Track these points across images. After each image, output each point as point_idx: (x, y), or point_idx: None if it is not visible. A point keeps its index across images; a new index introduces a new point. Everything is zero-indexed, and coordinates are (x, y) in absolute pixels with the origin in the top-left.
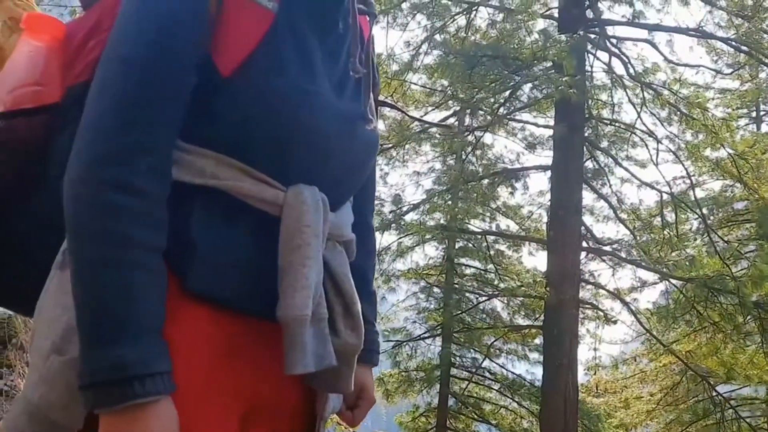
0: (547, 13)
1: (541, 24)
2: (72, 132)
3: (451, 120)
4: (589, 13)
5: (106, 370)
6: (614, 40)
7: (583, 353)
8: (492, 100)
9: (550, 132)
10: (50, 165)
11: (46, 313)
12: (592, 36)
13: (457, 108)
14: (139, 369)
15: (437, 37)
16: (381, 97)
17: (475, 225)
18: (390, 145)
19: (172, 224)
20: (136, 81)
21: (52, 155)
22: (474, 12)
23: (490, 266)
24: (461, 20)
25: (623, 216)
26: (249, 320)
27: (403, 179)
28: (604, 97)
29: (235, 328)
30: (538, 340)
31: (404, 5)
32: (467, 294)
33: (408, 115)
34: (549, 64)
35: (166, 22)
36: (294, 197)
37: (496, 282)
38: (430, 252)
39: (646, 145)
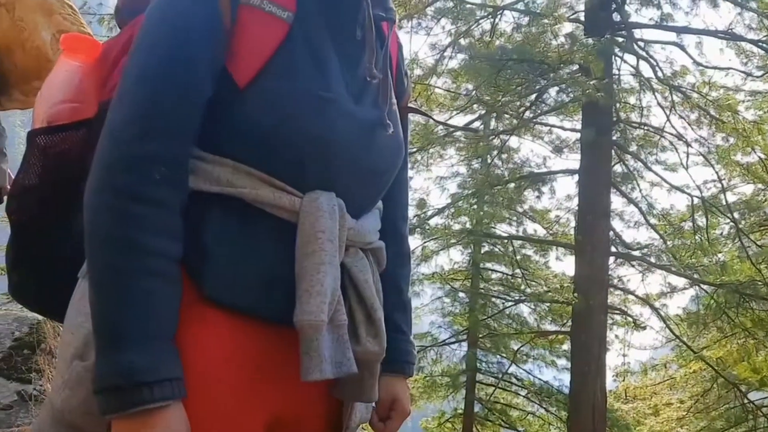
0: (573, 16)
1: (567, 27)
2: None
3: (477, 124)
4: (616, 16)
5: (116, 375)
6: (642, 43)
7: (612, 359)
8: (518, 103)
9: (577, 135)
10: (86, 178)
11: (71, 321)
12: (620, 39)
13: (483, 112)
14: (149, 375)
15: (462, 41)
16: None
17: (501, 229)
18: (414, 150)
19: (190, 232)
20: (152, 92)
21: (88, 168)
22: (499, 16)
23: (517, 271)
24: (486, 24)
25: (653, 220)
26: (270, 328)
27: (428, 183)
28: (632, 100)
29: (256, 335)
30: (566, 346)
31: (429, 10)
32: (493, 299)
33: (435, 121)
34: (575, 67)
35: (181, 35)
36: (310, 203)
37: (522, 287)
38: (455, 256)
39: (676, 149)
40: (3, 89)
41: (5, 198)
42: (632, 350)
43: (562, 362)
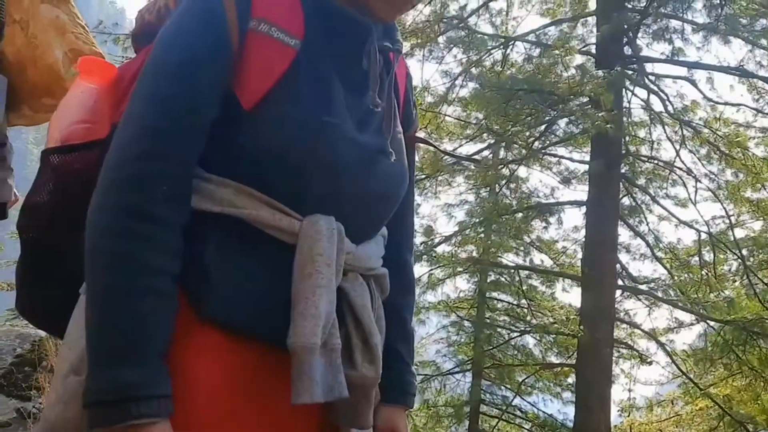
0: (585, 48)
1: (578, 59)
2: None
3: (486, 153)
4: (627, 50)
5: (105, 390)
6: (653, 77)
7: (617, 394)
8: (527, 133)
9: (586, 167)
10: None
11: (69, 335)
12: (630, 72)
13: (492, 141)
14: (138, 391)
15: (473, 70)
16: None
17: (508, 259)
18: (423, 176)
19: (190, 251)
20: (158, 113)
21: None
22: (510, 46)
23: (523, 301)
24: (497, 54)
25: (660, 254)
26: (265, 350)
27: (435, 210)
28: (642, 133)
29: (251, 357)
30: (571, 379)
31: (440, 39)
32: (499, 329)
33: (441, 152)
34: (586, 99)
35: (189, 58)
36: (309, 226)
37: (528, 318)
38: (462, 285)
39: (685, 184)
40: (13, 105)
41: (18, 213)
42: (638, 385)
43: (567, 395)
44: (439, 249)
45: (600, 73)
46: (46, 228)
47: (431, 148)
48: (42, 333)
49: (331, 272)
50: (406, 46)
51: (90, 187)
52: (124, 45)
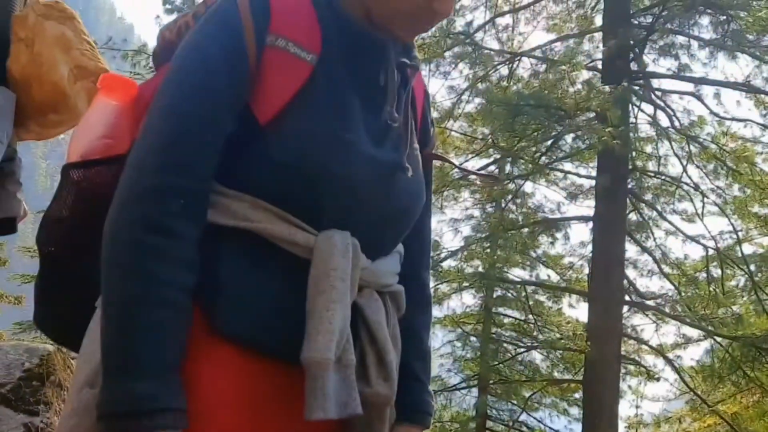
0: (591, 64)
1: (584, 75)
2: None
3: (492, 168)
4: (634, 66)
5: (119, 402)
6: (659, 93)
7: (624, 410)
8: (533, 149)
9: (592, 182)
10: None
11: (85, 348)
12: (637, 88)
13: (498, 156)
14: (151, 404)
15: (479, 85)
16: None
17: (514, 274)
18: None
19: (204, 264)
20: (175, 127)
21: None
22: (517, 62)
23: (529, 317)
24: (503, 69)
25: (667, 270)
26: (278, 365)
27: (441, 225)
28: (648, 149)
29: (264, 371)
30: (578, 395)
31: (447, 54)
32: (505, 344)
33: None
34: (592, 114)
35: (207, 73)
36: (324, 241)
37: (535, 333)
38: (468, 300)
39: (692, 199)
40: (20, 121)
41: (40, 228)
42: (645, 402)
43: (574, 411)
44: (445, 264)
45: (606, 88)
46: (65, 242)
47: (437, 164)
48: (50, 347)
49: (346, 287)
50: None
51: (109, 202)
52: (132, 61)
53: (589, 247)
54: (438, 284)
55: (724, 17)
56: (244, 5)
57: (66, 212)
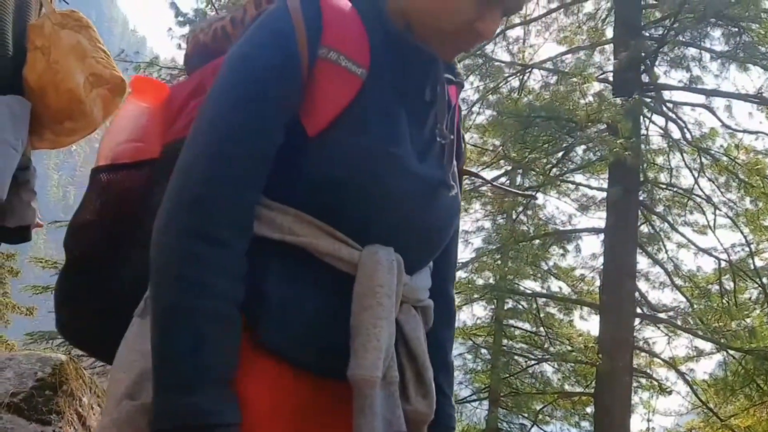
0: (602, 76)
1: (595, 87)
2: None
3: (503, 179)
4: (645, 78)
5: (180, 415)
6: (671, 104)
7: (636, 424)
8: (544, 160)
9: (604, 194)
10: (147, 216)
11: (122, 359)
12: (648, 100)
13: (509, 167)
14: (214, 418)
15: (490, 97)
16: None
17: (525, 286)
18: None
19: (248, 277)
20: (224, 137)
21: (150, 207)
22: (528, 74)
23: (540, 329)
24: (514, 81)
25: (679, 282)
26: (321, 379)
27: None
28: (660, 161)
29: (305, 386)
30: (590, 408)
31: (458, 66)
32: (516, 357)
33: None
34: (603, 126)
35: (258, 82)
36: (369, 257)
37: (546, 345)
38: (478, 312)
39: (704, 211)
40: (35, 129)
41: (67, 232)
42: (657, 415)
43: (586, 425)
44: (456, 275)
45: (618, 100)
46: (91, 246)
47: None
48: (63, 357)
49: (392, 304)
50: None
51: (138, 206)
52: (145, 73)
53: (601, 259)
54: None
55: (736, 29)
56: (297, 15)
57: (93, 216)
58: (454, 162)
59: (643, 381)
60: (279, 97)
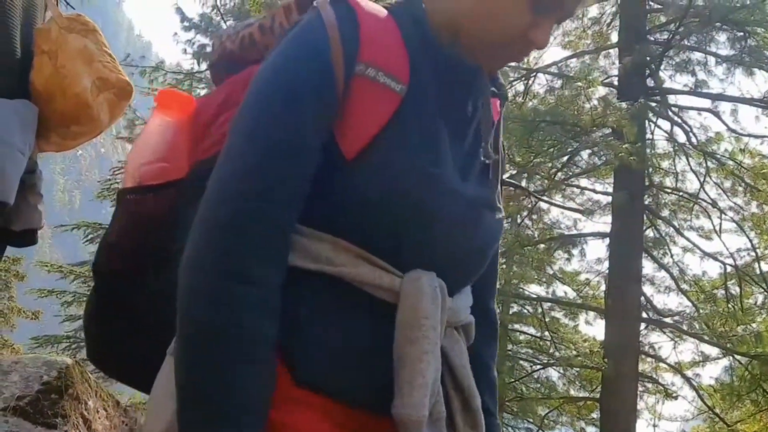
0: (607, 80)
1: (600, 91)
2: (197, 207)
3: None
4: (650, 82)
5: None
6: (676, 109)
7: (642, 429)
8: (549, 164)
9: (609, 198)
10: (175, 240)
11: (157, 399)
12: (653, 104)
13: (514, 172)
14: None
15: None
16: None
17: (530, 290)
18: None
19: (284, 310)
20: (260, 151)
21: (177, 230)
22: (532, 78)
23: (546, 333)
24: (519, 86)
25: (685, 287)
26: (361, 414)
27: None
28: (665, 165)
29: (349, 421)
30: (595, 414)
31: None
32: (521, 361)
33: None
34: (608, 130)
35: (294, 98)
36: (411, 284)
37: (551, 350)
38: None
39: (709, 216)
40: (41, 133)
41: (96, 253)
42: (663, 421)
43: (591, 430)
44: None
45: (623, 104)
46: (119, 269)
47: None
48: (69, 360)
49: (437, 336)
50: None
51: (165, 228)
52: (150, 77)
53: (606, 264)
54: None
55: (741, 33)
56: (332, 28)
57: (121, 238)
58: (500, 181)
59: (649, 386)
60: (316, 116)
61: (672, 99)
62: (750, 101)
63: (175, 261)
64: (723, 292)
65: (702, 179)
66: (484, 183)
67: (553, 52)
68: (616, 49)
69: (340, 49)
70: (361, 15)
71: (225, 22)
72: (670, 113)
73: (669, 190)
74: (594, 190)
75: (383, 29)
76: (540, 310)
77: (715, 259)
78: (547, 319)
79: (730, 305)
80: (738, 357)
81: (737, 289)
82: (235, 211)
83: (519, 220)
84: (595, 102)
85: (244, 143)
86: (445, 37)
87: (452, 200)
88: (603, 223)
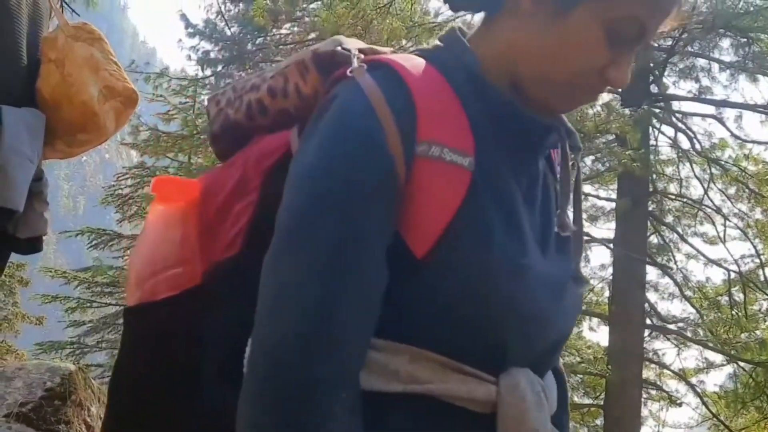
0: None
1: (604, 97)
2: (225, 316)
3: None
4: (654, 88)
5: None
6: (680, 115)
7: None
8: None
9: (613, 205)
10: (202, 358)
11: None
12: (657, 110)
13: None
14: None
15: None
16: None
17: None
18: None
19: None
20: (322, 291)
21: (203, 346)
22: None
23: None
24: None
25: (689, 293)
26: None
27: None
28: (669, 171)
29: None
30: (599, 420)
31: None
32: None
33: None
34: (612, 137)
35: (355, 216)
36: (510, 391)
37: None
38: None
39: (713, 222)
40: (48, 140)
41: (111, 377)
42: (667, 428)
43: None
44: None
45: (626, 111)
46: (131, 393)
47: None
48: (72, 367)
49: None
50: None
51: (181, 343)
52: (154, 83)
53: (610, 270)
54: None
55: (745, 39)
56: (380, 106)
57: (134, 363)
58: (582, 248)
59: (653, 393)
60: (381, 228)
61: (676, 105)
62: (754, 107)
63: (211, 383)
64: (727, 298)
65: (706, 185)
66: (565, 251)
67: None
68: None
69: (395, 131)
70: (409, 80)
71: (229, 28)
72: (673, 119)
73: (673, 197)
74: (598, 197)
75: (436, 92)
76: None
77: (719, 265)
78: None
79: (734, 312)
80: (742, 364)
81: (741, 295)
82: (302, 381)
83: None
84: (599, 108)
85: (296, 272)
86: (504, 81)
87: (543, 289)
88: (607, 229)
